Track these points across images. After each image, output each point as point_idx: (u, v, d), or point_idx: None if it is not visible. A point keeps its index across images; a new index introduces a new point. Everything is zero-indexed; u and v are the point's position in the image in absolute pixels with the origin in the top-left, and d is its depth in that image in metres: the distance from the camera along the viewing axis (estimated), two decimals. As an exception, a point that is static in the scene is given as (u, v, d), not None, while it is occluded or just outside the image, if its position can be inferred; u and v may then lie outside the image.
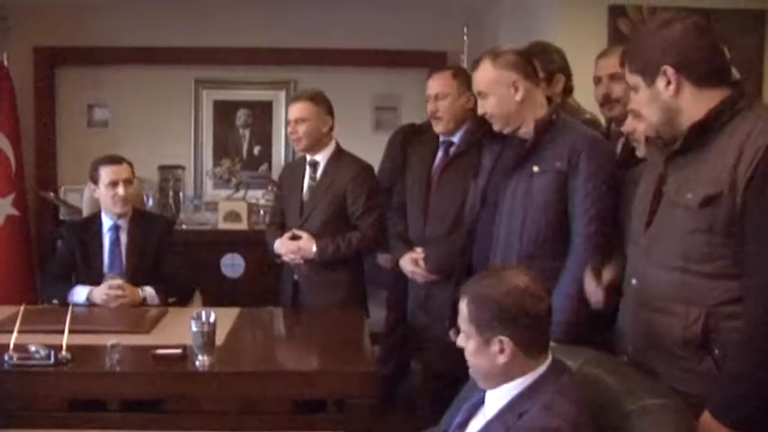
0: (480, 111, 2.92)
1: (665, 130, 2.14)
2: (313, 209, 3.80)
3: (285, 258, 3.82)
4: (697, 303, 2.03)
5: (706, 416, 1.96)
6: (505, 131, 2.91)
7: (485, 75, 2.85)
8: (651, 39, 2.10)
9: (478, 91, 2.89)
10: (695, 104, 2.05)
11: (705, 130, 2.03)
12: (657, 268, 2.12)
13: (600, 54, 3.27)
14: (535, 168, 2.81)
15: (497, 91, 2.82)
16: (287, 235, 3.80)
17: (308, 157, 3.88)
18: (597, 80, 3.19)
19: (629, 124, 2.60)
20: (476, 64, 2.92)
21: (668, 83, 2.06)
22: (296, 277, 3.86)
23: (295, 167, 4.03)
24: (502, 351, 1.91)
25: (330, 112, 3.84)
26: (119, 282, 3.60)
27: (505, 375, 1.94)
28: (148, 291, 3.65)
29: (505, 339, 1.90)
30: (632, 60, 2.15)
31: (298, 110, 3.79)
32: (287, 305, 3.89)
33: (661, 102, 2.09)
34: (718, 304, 2.00)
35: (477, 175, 3.12)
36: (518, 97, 2.81)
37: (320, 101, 3.81)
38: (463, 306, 1.97)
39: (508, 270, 2.08)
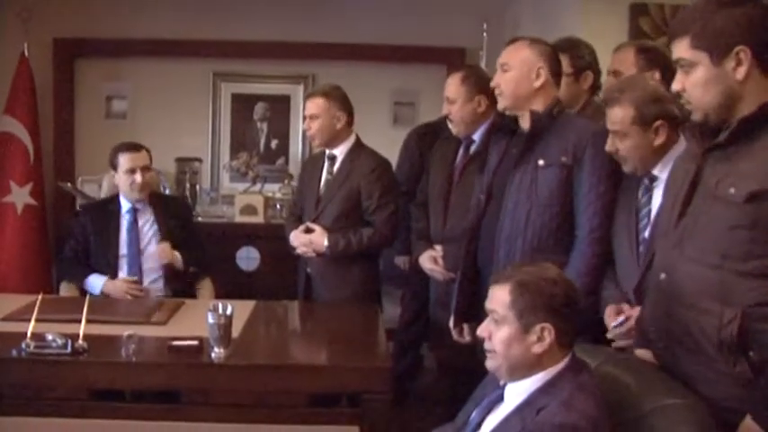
0: (493, 83, 2.93)
1: (718, 114, 1.95)
2: (328, 203, 3.79)
3: (298, 251, 3.82)
4: (733, 303, 1.90)
5: (748, 421, 1.89)
6: (508, 112, 2.92)
7: (516, 50, 2.88)
8: (726, 12, 1.89)
9: (503, 62, 2.89)
10: (756, 94, 1.90)
11: (754, 124, 1.90)
12: (691, 263, 2.00)
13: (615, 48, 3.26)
14: (540, 162, 2.81)
15: (521, 68, 2.84)
16: (301, 228, 3.80)
17: (327, 151, 3.88)
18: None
19: (612, 144, 2.56)
20: (512, 41, 2.94)
21: (737, 65, 1.89)
22: (308, 270, 3.86)
23: (315, 161, 4.03)
24: (540, 339, 1.91)
25: (344, 107, 3.80)
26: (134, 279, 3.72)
27: (533, 367, 1.94)
28: (177, 255, 3.80)
29: (549, 327, 1.90)
30: (699, 35, 1.92)
31: (309, 106, 3.80)
32: (300, 298, 3.90)
33: (725, 84, 1.91)
34: (756, 305, 1.88)
35: (483, 171, 3.11)
36: (537, 83, 2.83)
37: (334, 97, 3.78)
38: (503, 293, 1.96)
39: (542, 263, 2.07)
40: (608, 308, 2.60)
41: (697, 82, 1.95)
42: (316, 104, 3.77)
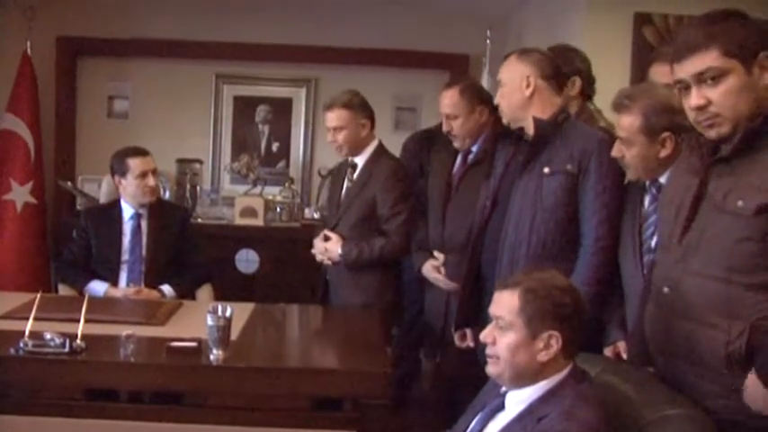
0: (496, 100, 2.97)
1: (745, 124, 1.92)
2: (346, 210, 3.76)
3: (317, 258, 3.81)
4: (740, 317, 1.90)
5: (752, 376, 1.89)
6: (512, 126, 2.94)
7: (507, 65, 2.93)
8: (743, 21, 1.90)
9: (499, 79, 2.94)
10: None
11: (758, 136, 1.90)
12: (696, 277, 1.99)
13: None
14: (546, 170, 2.81)
15: (512, 81, 2.87)
16: (321, 235, 3.80)
17: (350, 159, 3.82)
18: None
19: (618, 149, 2.55)
20: (506, 57, 2.97)
21: (762, 71, 1.89)
22: (327, 277, 3.85)
23: (341, 168, 3.98)
24: (547, 347, 1.90)
25: (366, 113, 3.74)
26: (138, 288, 3.69)
27: (537, 375, 1.93)
28: (166, 289, 3.74)
29: (556, 335, 1.89)
30: (729, 43, 1.89)
31: (333, 118, 3.71)
32: (318, 303, 3.90)
33: (757, 91, 1.89)
34: (764, 318, 1.88)
35: (490, 177, 3.11)
36: (527, 92, 2.84)
37: (354, 105, 3.71)
38: (511, 298, 1.94)
39: (551, 270, 2.05)
40: (606, 350, 2.62)
41: (731, 90, 1.90)
42: (339, 116, 3.69)
